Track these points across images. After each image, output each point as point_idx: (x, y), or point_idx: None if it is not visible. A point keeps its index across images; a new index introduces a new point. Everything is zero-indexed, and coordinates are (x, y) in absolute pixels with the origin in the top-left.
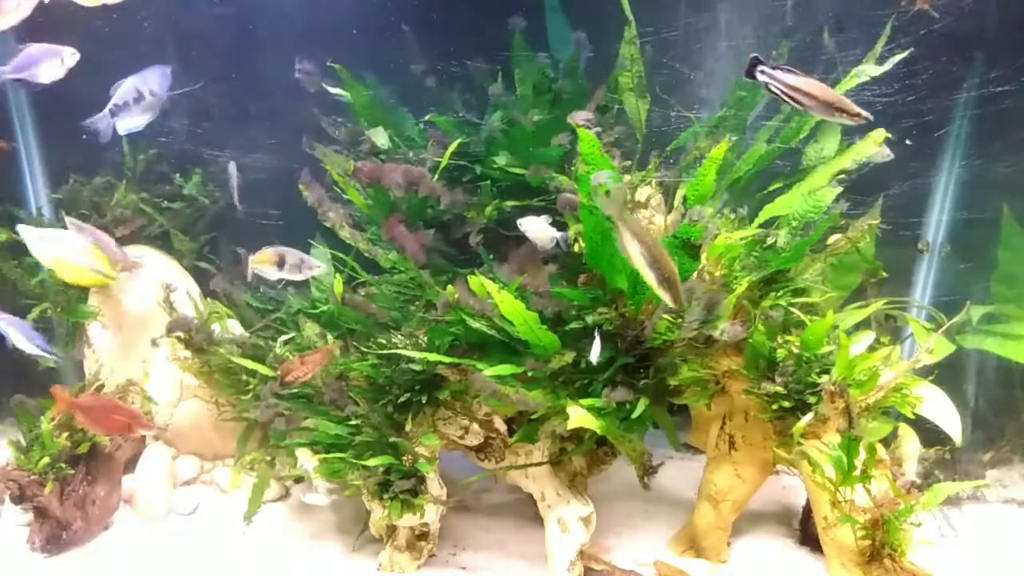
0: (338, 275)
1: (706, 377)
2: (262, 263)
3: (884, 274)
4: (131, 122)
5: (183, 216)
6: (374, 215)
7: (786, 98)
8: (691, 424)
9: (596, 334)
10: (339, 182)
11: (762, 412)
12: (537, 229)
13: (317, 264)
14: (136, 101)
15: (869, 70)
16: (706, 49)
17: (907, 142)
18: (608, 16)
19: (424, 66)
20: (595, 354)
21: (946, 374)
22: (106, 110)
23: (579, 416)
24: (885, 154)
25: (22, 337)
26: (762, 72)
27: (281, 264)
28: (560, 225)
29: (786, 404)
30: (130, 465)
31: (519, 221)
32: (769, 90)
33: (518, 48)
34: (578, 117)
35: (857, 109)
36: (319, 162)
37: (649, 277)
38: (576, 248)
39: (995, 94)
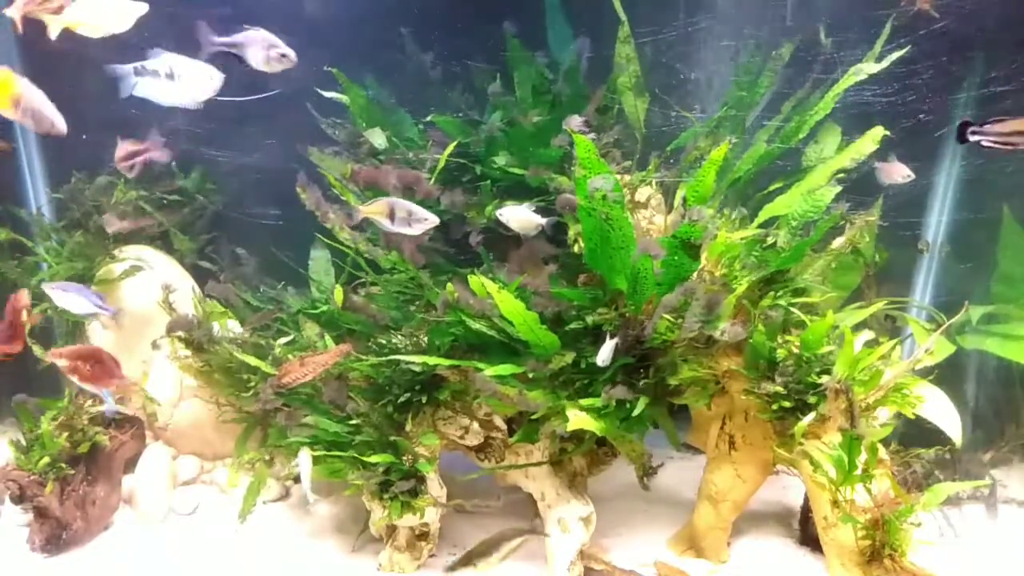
0: (337, 281)
1: (706, 377)
2: (375, 213)
3: (885, 253)
4: (151, 90)
5: (183, 216)
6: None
7: (1002, 146)
8: (691, 424)
9: (608, 337)
10: (336, 187)
11: (762, 412)
12: (520, 217)
13: (426, 216)
14: (167, 76)
15: (867, 68)
16: (706, 49)
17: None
18: (610, 15)
19: (424, 66)
20: (604, 357)
21: (946, 374)
22: (131, 67)
23: (578, 418)
24: (905, 175)
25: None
26: (973, 132)
27: (392, 216)
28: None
29: (786, 404)
30: (130, 465)
31: (499, 212)
32: (983, 147)
33: (515, 50)
34: (573, 123)
35: None
36: (315, 164)
37: None
38: (576, 249)
39: (995, 94)
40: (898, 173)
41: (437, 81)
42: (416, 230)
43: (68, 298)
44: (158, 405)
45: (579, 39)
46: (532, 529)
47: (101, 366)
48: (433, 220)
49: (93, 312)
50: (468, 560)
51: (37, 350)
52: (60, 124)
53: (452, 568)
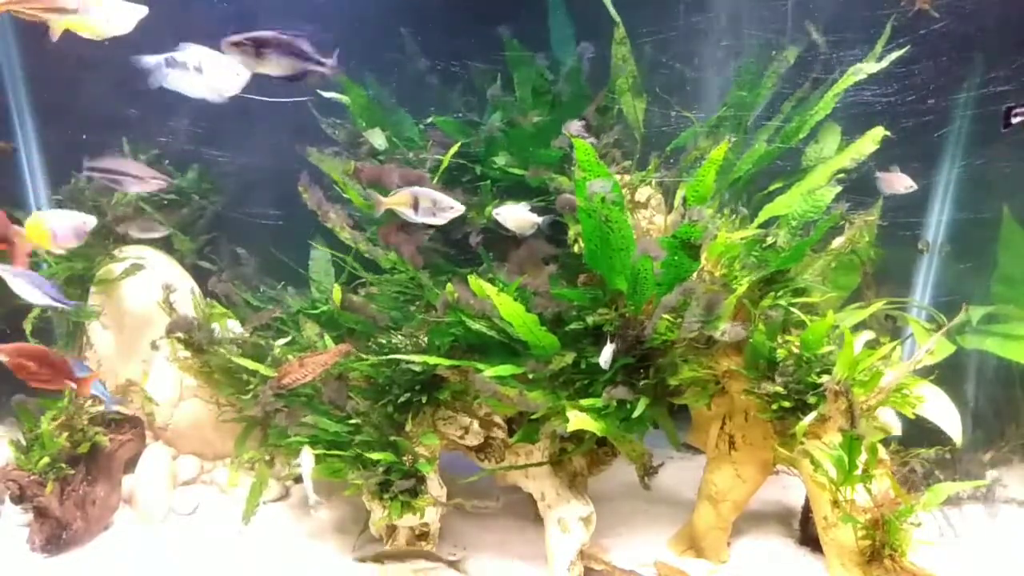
0: (337, 281)
1: (706, 377)
2: (399, 204)
3: (880, 251)
4: (180, 83)
5: (183, 216)
6: (375, 215)
7: None
8: (691, 424)
9: (609, 340)
10: (339, 183)
11: (762, 412)
12: (516, 216)
13: (452, 204)
14: (196, 69)
15: (866, 68)
16: (707, 49)
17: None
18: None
19: (424, 66)
20: (605, 359)
21: (946, 374)
22: (162, 57)
23: (578, 418)
24: (907, 185)
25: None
26: (1016, 114)
27: (416, 206)
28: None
29: (786, 404)
30: (130, 465)
31: (495, 211)
32: None
33: (515, 51)
34: (572, 128)
35: None
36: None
37: None
38: (576, 249)
39: (995, 94)
40: (900, 183)
41: (438, 82)
42: (441, 220)
43: (19, 284)
44: (156, 405)
45: (581, 41)
46: (452, 562)
47: (50, 368)
48: (459, 208)
49: (50, 305)
50: (379, 558)
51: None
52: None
53: (363, 559)
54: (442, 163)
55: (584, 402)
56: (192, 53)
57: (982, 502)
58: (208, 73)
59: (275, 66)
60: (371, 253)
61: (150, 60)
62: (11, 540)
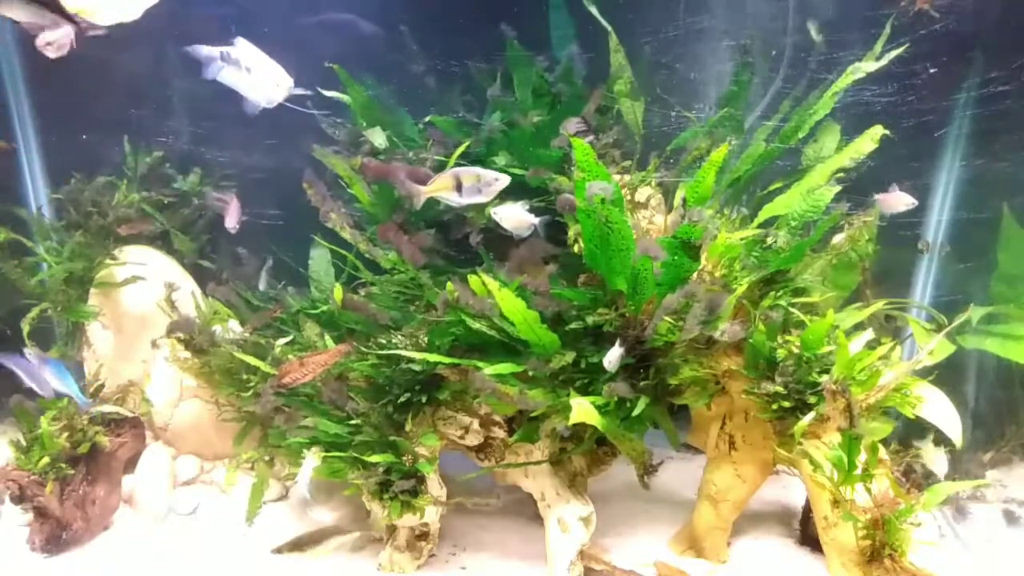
0: (337, 280)
1: (706, 377)
2: (441, 190)
3: (876, 247)
4: (231, 78)
5: (183, 216)
6: (378, 213)
7: None
8: (691, 424)
9: (618, 344)
10: (344, 178)
11: (762, 412)
12: (513, 216)
13: (496, 176)
14: (248, 70)
15: (864, 67)
16: (707, 49)
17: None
18: (613, 13)
19: (424, 66)
20: (612, 362)
21: (946, 374)
22: (217, 51)
23: (581, 410)
24: (908, 203)
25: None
26: None
27: (459, 188)
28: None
29: (786, 404)
30: (130, 465)
31: (493, 210)
32: None
33: (514, 51)
34: (570, 127)
35: None
36: (318, 162)
37: None
38: (576, 248)
39: (995, 94)
40: (900, 202)
41: (438, 81)
42: (486, 196)
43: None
44: (152, 406)
45: (582, 41)
46: (366, 528)
47: None
48: (504, 180)
49: None
50: (298, 546)
51: (35, 351)
52: None
53: (279, 550)
54: (441, 162)
55: (585, 399)
56: (244, 50)
57: (1002, 507)
58: (254, 75)
59: (18, 11)
60: (371, 253)
61: (205, 52)
62: (11, 540)
